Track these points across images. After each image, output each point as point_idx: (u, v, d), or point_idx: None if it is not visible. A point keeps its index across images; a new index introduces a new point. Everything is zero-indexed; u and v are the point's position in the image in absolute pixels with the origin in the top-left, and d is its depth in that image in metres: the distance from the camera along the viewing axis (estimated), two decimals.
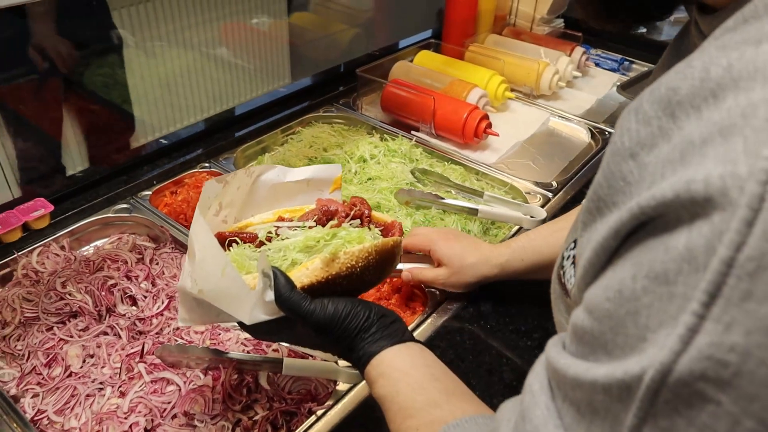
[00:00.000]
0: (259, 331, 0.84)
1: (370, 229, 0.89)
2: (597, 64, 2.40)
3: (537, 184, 1.68)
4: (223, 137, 1.81)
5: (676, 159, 0.42)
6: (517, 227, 1.51)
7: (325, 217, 0.90)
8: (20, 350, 1.21)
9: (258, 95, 2.19)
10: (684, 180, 0.40)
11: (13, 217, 1.40)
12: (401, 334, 0.82)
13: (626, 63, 2.41)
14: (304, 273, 0.80)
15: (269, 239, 0.89)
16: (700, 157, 0.40)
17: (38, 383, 1.16)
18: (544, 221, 1.50)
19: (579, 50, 2.26)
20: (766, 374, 0.36)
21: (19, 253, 1.38)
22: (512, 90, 2.07)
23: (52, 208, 1.44)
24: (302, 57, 2.40)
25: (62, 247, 1.43)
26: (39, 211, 1.43)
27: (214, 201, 0.91)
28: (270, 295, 0.77)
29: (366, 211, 0.92)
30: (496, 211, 1.50)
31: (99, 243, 1.49)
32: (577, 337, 0.48)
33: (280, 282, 0.77)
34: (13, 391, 1.14)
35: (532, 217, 1.50)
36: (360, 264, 0.81)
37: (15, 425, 1.05)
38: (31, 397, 1.14)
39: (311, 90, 2.08)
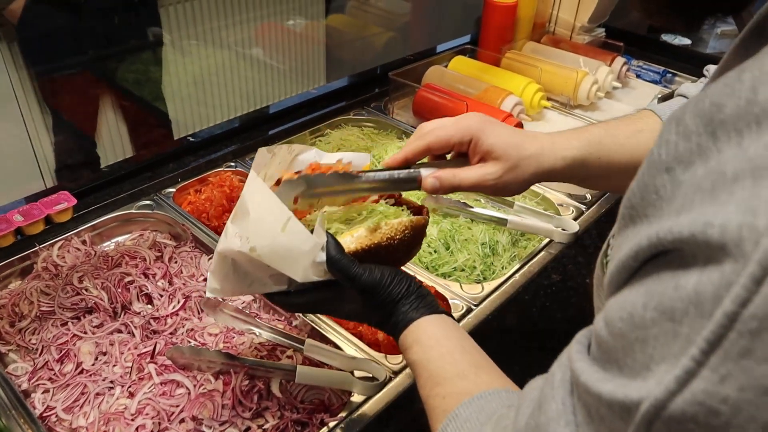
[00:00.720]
0: (301, 294, 0.85)
1: (402, 209, 0.95)
2: (638, 76, 2.33)
3: (570, 196, 1.62)
4: (252, 137, 1.79)
5: (707, 189, 0.40)
6: (547, 240, 1.46)
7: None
8: (34, 344, 1.20)
9: (291, 96, 2.17)
10: (703, 221, 0.39)
11: (36, 210, 1.39)
12: (437, 306, 0.85)
13: (669, 75, 2.33)
14: (350, 239, 0.84)
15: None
16: (728, 195, 0.39)
17: (49, 379, 1.14)
18: (576, 235, 1.45)
19: (620, 60, 2.19)
20: (755, 430, 0.37)
21: (41, 246, 1.37)
22: (549, 99, 2.01)
23: (75, 201, 1.43)
24: (337, 59, 2.38)
25: (83, 242, 1.41)
26: (62, 204, 1.41)
27: (262, 169, 0.91)
28: (322, 256, 0.79)
29: (398, 194, 0.98)
30: (527, 222, 1.44)
31: (120, 239, 1.48)
32: (597, 342, 0.48)
33: (331, 245, 0.80)
34: (24, 386, 1.13)
35: (563, 230, 1.44)
36: (398, 237, 0.86)
37: (23, 421, 1.03)
38: (42, 393, 1.12)
39: (345, 92, 2.05)
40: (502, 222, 1.44)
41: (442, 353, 0.78)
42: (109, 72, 2.09)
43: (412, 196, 1.49)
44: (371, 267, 0.83)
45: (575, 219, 1.52)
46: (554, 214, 1.51)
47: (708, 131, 0.42)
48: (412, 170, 0.94)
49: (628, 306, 0.44)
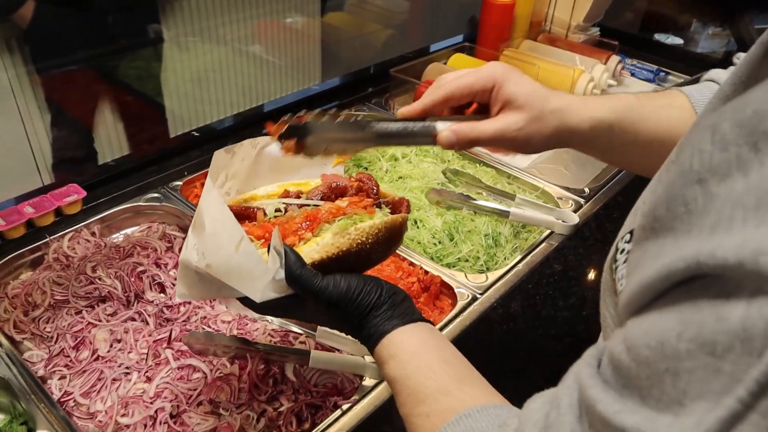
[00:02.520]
0: (265, 307, 0.80)
1: (380, 207, 0.87)
2: (632, 74, 2.37)
3: (569, 189, 1.66)
4: (253, 133, 1.81)
5: (750, 206, 0.37)
6: (548, 232, 1.50)
7: (333, 193, 0.88)
8: (49, 332, 1.22)
9: (289, 93, 2.20)
10: (753, 247, 0.35)
11: (46, 202, 1.41)
12: (411, 313, 0.79)
13: (662, 74, 2.38)
14: (314, 248, 0.78)
15: (276, 217, 0.86)
16: None
17: (66, 365, 1.16)
18: (576, 227, 1.49)
19: (615, 59, 2.24)
20: None
21: (51, 237, 1.39)
22: None
23: (84, 194, 1.45)
24: (334, 57, 2.40)
25: (93, 234, 1.43)
26: (72, 196, 1.44)
27: (222, 171, 0.89)
28: (281, 273, 0.75)
29: (375, 188, 0.90)
30: (528, 214, 1.48)
31: (128, 231, 1.50)
32: (614, 365, 0.45)
33: (290, 259, 0.75)
34: (40, 372, 1.15)
35: (564, 221, 1.48)
36: (370, 240, 0.80)
37: (42, 405, 1.05)
38: (59, 379, 1.14)
39: (341, 89, 2.09)
40: (504, 214, 1.48)
41: (420, 367, 0.72)
42: (110, 69, 2.11)
43: (417, 202, 1.52)
44: (336, 279, 0.77)
45: (575, 212, 1.56)
46: (554, 207, 1.55)
47: (749, 142, 0.39)
48: (427, 123, 0.88)
49: (656, 332, 0.41)
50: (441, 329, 1.21)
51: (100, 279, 1.27)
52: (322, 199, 0.87)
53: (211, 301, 1.26)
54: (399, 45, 2.37)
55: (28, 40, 1.95)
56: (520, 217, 1.48)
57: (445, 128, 0.87)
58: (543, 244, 1.46)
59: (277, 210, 0.87)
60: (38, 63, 1.98)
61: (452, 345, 0.77)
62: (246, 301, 0.80)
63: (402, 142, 0.91)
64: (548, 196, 1.64)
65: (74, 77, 2.06)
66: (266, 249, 0.78)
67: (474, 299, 1.29)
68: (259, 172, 0.94)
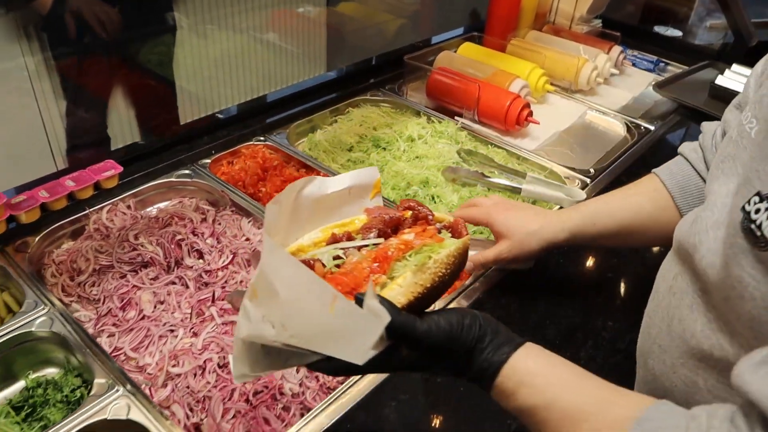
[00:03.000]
0: (341, 367, 0.71)
1: (440, 232, 0.82)
2: (633, 64, 2.47)
3: (574, 170, 1.76)
4: (268, 116, 1.89)
5: None
6: (557, 207, 1.59)
7: (388, 227, 0.82)
8: (95, 295, 1.31)
9: (305, 79, 2.29)
10: None
11: (86, 176, 1.50)
12: (513, 336, 0.76)
13: (662, 64, 2.48)
14: (398, 291, 0.71)
15: (338, 266, 0.78)
16: None
17: (114, 324, 1.25)
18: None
19: (617, 49, 2.34)
20: None
21: (91, 209, 1.48)
22: (551, 84, 2.15)
23: (121, 169, 1.54)
24: (347, 44, 2.49)
25: (128, 207, 1.52)
26: (109, 171, 1.52)
27: (274, 227, 0.81)
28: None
29: (430, 214, 0.85)
30: (539, 191, 1.57)
31: (161, 205, 1.59)
32: None
33: (387, 308, 0.68)
34: (90, 331, 1.23)
35: (571, 197, 1.58)
36: (448, 270, 0.75)
37: (97, 358, 1.14)
38: (107, 337, 1.23)
39: (356, 75, 2.17)
40: (516, 191, 1.57)
41: (564, 387, 0.70)
42: (132, 55, 2.19)
43: (434, 180, 1.60)
44: (435, 319, 0.72)
45: (581, 189, 1.65)
46: (563, 185, 1.64)
47: None
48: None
49: None
50: (463, 291, 1.31)
51: (142, 246, 1.36)
52: (379, 236, 0.81)
53: (246, 267, 1.35)
54: (410, 34, 2.46)
55: (47, 27, 2.02)
56: (531, 194, 1.57)
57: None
58: None
59: (336, 257, 0.79)
60: (59, 49, 2.06)
61: (563, 357, 0.75)
62: (321, 365, 0.72)
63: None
64: (556, 175, 1.74)
65: (97, 63, 2.14)
66: None
67: (489, 268, 1.38)
68: (301, 218, 0.86)
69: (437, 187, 1.59)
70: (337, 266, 0.77)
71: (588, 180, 1.71)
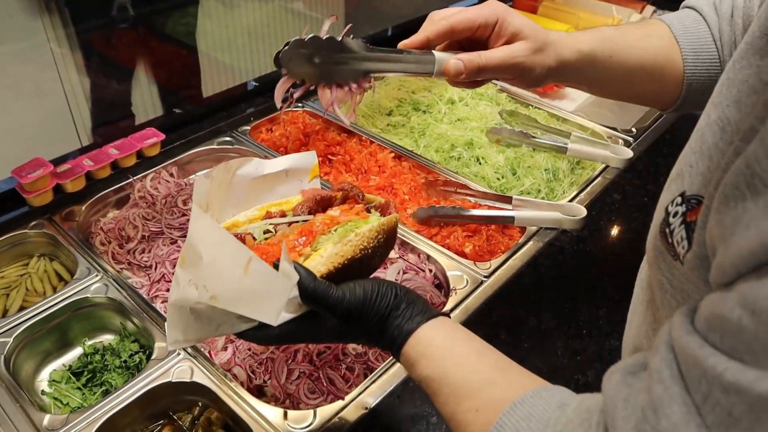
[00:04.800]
0: (270, 336, 0.74)
1: (370, 212, 0.85)
2: None
3: (617, 130, 1.73)
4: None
5: None
6: (602, 167, 1.57)
7: (319, 206, 0.86)
8: (147, 261, 1.30)
9: None
10: None
11: (129, 144, 1.48)
12: (429, 308, 0.77)
13: None
14: (319, 261, 0.74)
15: (268, 239, 0.82)
16: None
17: (167, 290, 1.24)
18: (630, 161, 1.56)
19: (649, 8, 2.29)
20: None
21: (135, 178, 1.46)
22: None
23: (163, 136, 1.52)
24: (376, 10, 2.46)
25: (171, 174, 1.51)
26: (152, 139, 1.50)
27: (204, 198, 0.84)
28: (294, 291, 0.70)
29: (361, 194, 0.88)
30: (585, 150, 1.55)
31: (202, 173, 1.57)
32: (729, 333, 0.42)
33: (302, 275, 0.70)
34: (144, 297, 1.23)
35: (618, 156, 1.55)
36: (371, 244, 0.78)
37: (154, 322, 1.14)
38: (161, 302, 1.23)
39: (385, 41, 2.14)
40: (562, 150, 1.55)
41: (458, 362, 0.70)
42: (159, 26, 2.17)
43: (478, 141, 1.58)
44: (350, 286, 0.74)
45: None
46: (608, 143, 1.62)
47: None
48: (425, 51, 0.89)
49: None
50: (517, 251, 1.29)
51: (191, 211, 1.34)
52: (309, 213, 0.85)
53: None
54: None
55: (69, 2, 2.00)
56: (577, 153, 1.55)
57: (448, 58, 0.91)
58: (598, 179, 1.54)
59: (266, 232, 0.84)
60: (82, 24, 2.05)
61: (476, 336, 0.75)
62: (250, 334, 0.74)
63: (397, 69, 0.90)
64: (598, 135, 1.71)
65: (123, 36, 2.12)
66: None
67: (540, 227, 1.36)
68: (235, 197, 0.90)
69: (482, 148, 1.57)
70: (267, 240, 0.81)
71: (631, 139, 1.68)
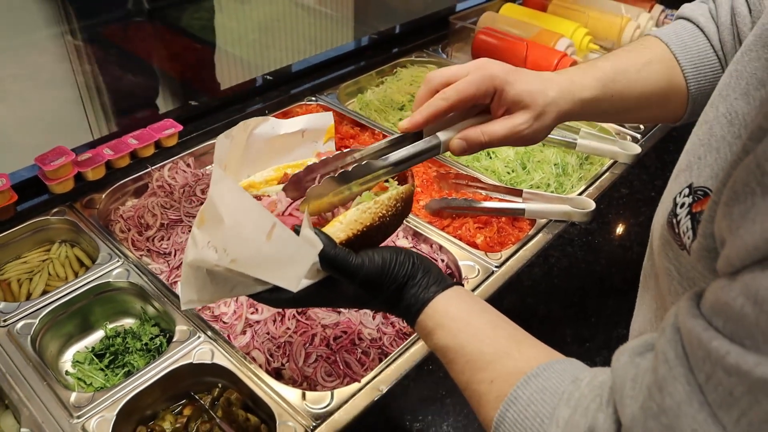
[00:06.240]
0: (285, 299, 0.75)
1: (387, 181, 0.85)
2: None
3: (624, 126, 1.76)
4: (313, 79, 1.89)
5: None
6: (610, 162, 1.60)
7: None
8: (166, 248, 1.33)
9: (348, 42, 2.29)
10: None
11: (147, 134, 1.52)
12: (445, 278, 0.79)
13: None
14: (339, 228, 0.75)
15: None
16: None
17: None
18: (638, 156, 1.59)
19: (658, 8, 2.32)
20: None
21: (153, 167, 1.50)
22: (593, 43, 2.14)
23: (181, 127, 1.55)
24: (386, 7, 2.49)
25: (188, 165, 1.54)
26: (170, 130, 1.54)
27: (225, 159, 0.85)
28: (315, 258, 0.71)
29: None
30: (594, 145, 1.58)
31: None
32: (732, 319, 0.43)
33: (324, 241, 0.72)
34: (164, 282, 1.26)
35: (626, 151, 1.58)
36: (390, 212, 0.78)
37: (175, 306, 1.17)
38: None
39: (399, 37, 2.17)
40: (571, 145, 1.58)
41: (474, 333, 0.72)
42: (173, 20, 2.20)
43: None
44: (369, 254, 0.75)
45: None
46: (616, 139, 1.65)
47: None
48: (429, 139, 0.88)
49: None
50: (527, 242, 1.32)
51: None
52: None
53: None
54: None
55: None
56: (586, 148, 1.58)
57: (451, 137, 0.89)
58: (607, 174, 1.57)
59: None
60: (98, 17, 2.08)
61: (492, 307, 0.77)
62: (265, 296, 0.75)
63: (409, 166, 0.88)
64: (606, 131, 1.74)
65: (141, 28, 2.15)
66: None
67: (549, 220, 1.40)
68: (251, 156, 0.90)
69: None
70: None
71: (639, 136, 1.71)
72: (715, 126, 0.58)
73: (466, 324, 0.73)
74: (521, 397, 0.63)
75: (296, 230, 0.72)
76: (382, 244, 0.82)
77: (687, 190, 0.59)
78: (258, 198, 0.82)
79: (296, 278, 0.71)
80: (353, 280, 0.74)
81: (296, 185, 0.84)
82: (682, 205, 0.59)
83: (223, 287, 0.74)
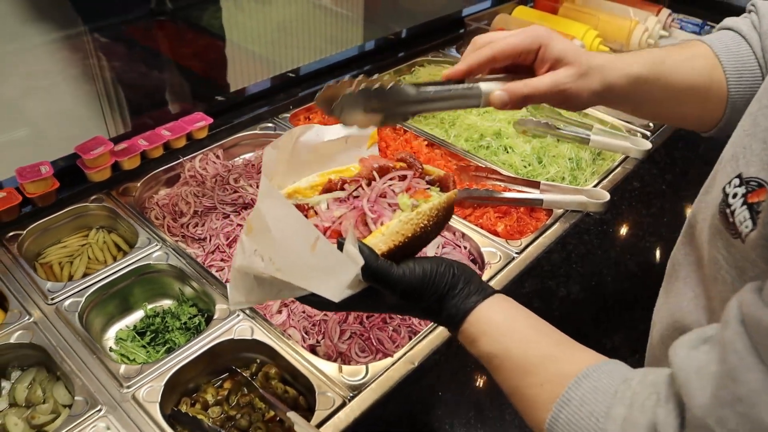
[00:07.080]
0: (329, 304, 0.76)
1: (430, 188, 0.86)
2: (680, 27, 2.52)
3: (634, 124, 1.82)
4: (331, 77, 1.96)
5: None
6: (621, 157, 1.66)
7: (378, 176, 0.87)
8: (200, 233, 1.40)
9: (365, 41, 2.35)
10: None
11: (179, 126, 1.58)
12: (485, 287, 0.80)
13: (707, 27, 2.53)
14: (380, 239, 0.76)
15: None
16: None
17: (221, 259, 1.34)
18: (648, 152, 1.65)
19: (665, 12, 2.39)
20: None
21: (185, 158, 1.56)
22: (603, 45, 2.21)
23: (211, 120, 1.62)
24: (403, 9, 2.56)
25: (217, 156, 1.60)
26: (201, 122, 1.60)
27: (273, 169, 0.87)
28: (357, 270, 0.73)
29: (420, 167, 0.88)
30: (606, 141, 1.65)
31: (246, 156, 1.67)
32: None
33: (365, 254, 0.73)
34: (202, 264, 1.32)
35: (638, 147, 1.65)
36: (431, 222, 0.79)
37: (213, 287, 1.23)
38: (216, 271, 1.32)
39: (415, 38, 2.24)
40: (585, 141, 1.65)
41: (519, 339, 0.73)
42: (194, 18, 2.27)
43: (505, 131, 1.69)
44: (411, 265, 0.76)
45: None
46: (628, 135, 1.71)
47: None
48: (470, 85, 0.87)
49: None
50: (545, 230, 1.39)
51: (243, 188, 1.45)
52: (369, 183, 0.86)
53: None
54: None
55: None
56: (599, 143, 1.65)
57: (493, 88, 0.88)
58: (619, 168, 1.64)
59: (329, 207, 0.86)
60: (119, 17, 2.15)
61: (533, 313, 0.78)
62: (310, 300, 0.77)
63: (444, 106, 0.88)
64: (618, 128, 1.81)
65: (165, 27, 2.22)
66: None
67: (565, 211, 1.46)
68: (298, 163, 0.92)
69: (509, 138, 1.67)
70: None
71: (648, 133, 1.78)
72: (760, 117, 0.61)
73: (511, 330, 0.74)
74: (574, 397, 0.64)
75: (339, 242, 0.74)
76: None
77: (737, 180, 0.60)
78: (307, 208, 0.85)
79: (339, 290, 0.73)
80: (394, 291, 0.76)
81: (331, 94, 0.83)
82: (735, 195, 0.60)
83: (270, 290, 0.78)
